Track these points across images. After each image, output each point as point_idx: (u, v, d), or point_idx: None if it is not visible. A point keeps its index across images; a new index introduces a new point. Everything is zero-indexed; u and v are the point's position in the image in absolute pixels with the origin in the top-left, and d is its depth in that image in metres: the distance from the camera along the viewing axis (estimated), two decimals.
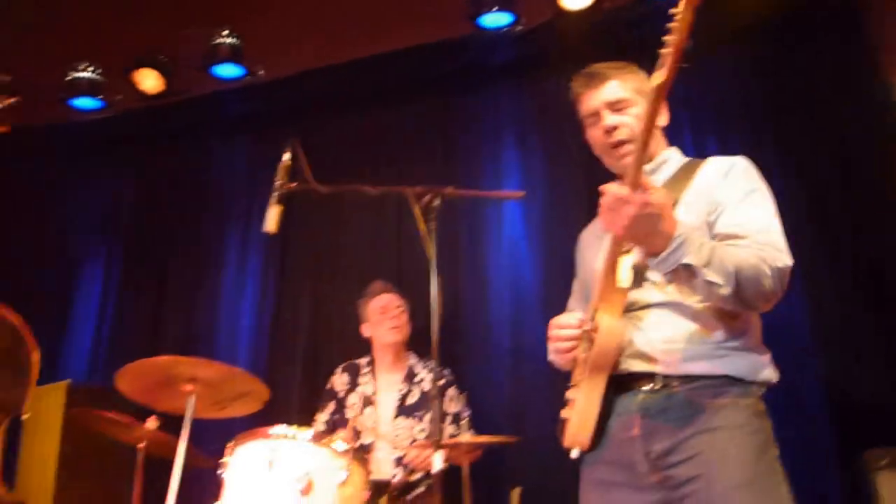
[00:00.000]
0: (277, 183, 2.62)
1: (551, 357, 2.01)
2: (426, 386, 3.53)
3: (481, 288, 4.09)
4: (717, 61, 3.88)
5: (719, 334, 1.77)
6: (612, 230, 1.68)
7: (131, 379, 2.66)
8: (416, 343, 3.67)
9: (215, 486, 2.51)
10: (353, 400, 3.56)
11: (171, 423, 3.11)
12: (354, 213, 4.41)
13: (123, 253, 4.88)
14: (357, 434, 3.41)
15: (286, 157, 2.66)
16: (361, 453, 2.57)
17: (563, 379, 1.98)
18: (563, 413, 1.88)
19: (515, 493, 3.34)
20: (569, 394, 1.89)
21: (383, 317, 3.62)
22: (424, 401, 3.49)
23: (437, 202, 2.33)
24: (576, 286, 2.22)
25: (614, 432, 1.80)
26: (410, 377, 3.59)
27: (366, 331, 3.69)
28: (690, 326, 1.78)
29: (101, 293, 4.83)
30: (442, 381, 3.49)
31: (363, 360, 3.68)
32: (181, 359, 2.59)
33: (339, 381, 3.65)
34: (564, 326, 1.91)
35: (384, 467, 3.34)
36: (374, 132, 4.58)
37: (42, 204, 5.03)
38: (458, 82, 4.47)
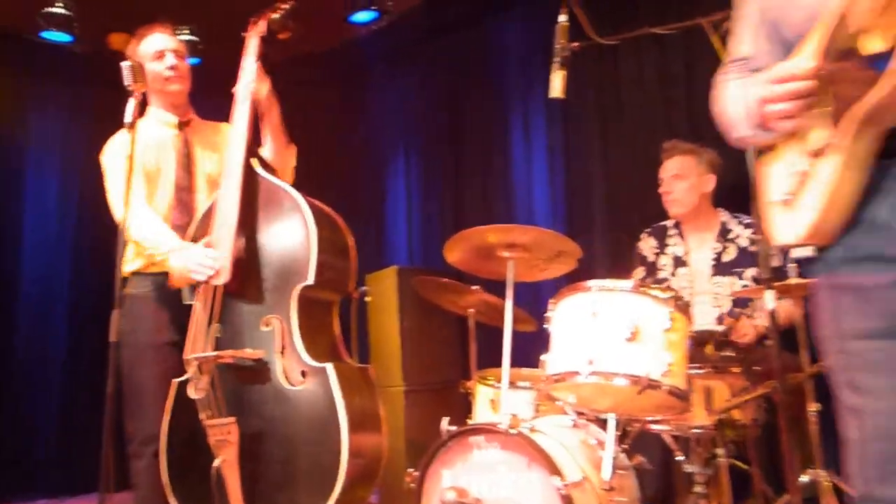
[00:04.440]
0: (558, 45, 2.62)
1: (747, 131, 1.52)
2: (742, 242, 3.39)
3: None
4: None
5: None
6: None
7: (458, 249, 2.87)
8: (727, 197, 3.50)
9: (541, 342, 2.68)
10: (664, 262, 3.54)
11: (493, 292, 3.37)
12: (636, 62, 4.21)
13: (419, 146, 5.23)
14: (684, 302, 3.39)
15: (562, 17, 2.64)
16: (682, 302, 2.56)
17: None
18: (786, 196, 1.42)
19: None
20: (797, 168, 1.40)
21: (660, 188, 3.53)
22: (742, 257, 3.35)
23: None
24: (746, 18, 1.62)
25: (877, 216, 1.31)
26: (724, 234, 3.44)
27: None
28: None
29: (406, 186, 5.25)
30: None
31: (669, 222, 3.60)
32: (499, 226, 2.75)
33: (646, 245, 3.61)
34: (788, 78, 1.36)
35: (704, 322, 3.29)
36: None
37: (345, 117, 5.53)
38: None
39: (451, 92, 5.07)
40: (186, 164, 2.96)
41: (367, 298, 4.34)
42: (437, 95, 5.13)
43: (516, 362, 3.01)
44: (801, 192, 1.38)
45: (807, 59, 1.36)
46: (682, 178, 3.46)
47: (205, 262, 2.61)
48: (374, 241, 5.25)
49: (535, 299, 4.13)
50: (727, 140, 1.62)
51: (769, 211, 1.49)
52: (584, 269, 3.73)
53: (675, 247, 3.54)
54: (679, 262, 3.50)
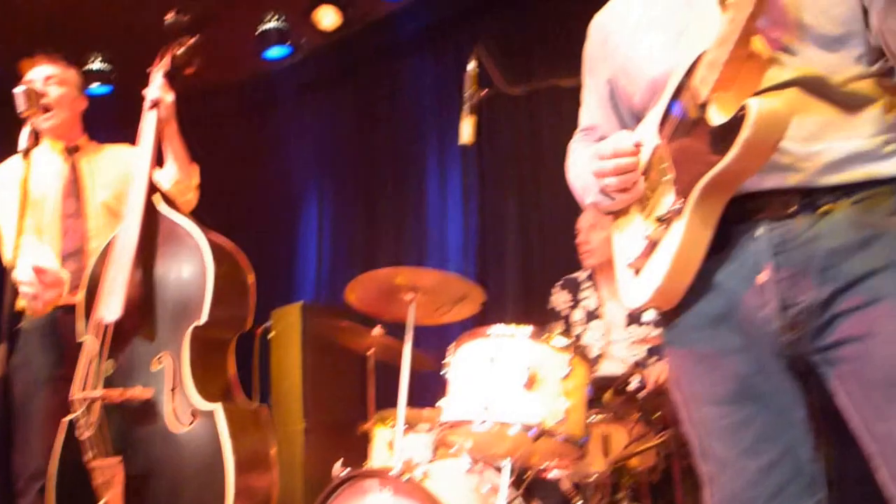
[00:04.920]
0: (467, 93, 2.64)
1: (594, 199, 1.56)
2: None
3: None
4: None
5: (884, 121, 1.25)
6: None
7: (359, 291, 2.87)
8: None
9: (440, 385, 2.67)
10: (578, 316, 3.55)
11: (397, 332, 3.35)
12: (552, 110, 4.28)
13: (333, 183, 5.21)
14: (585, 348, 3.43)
15: (471, 65, 2.66)
16: (582, 349, 2.60)
17: None
18: (635, 260, 1.44)
19: None
20: (644, 234, 1.41)
21: (578, 241, 3.57)
22: None
23: None
24: (591, 89, 1.65)
25: (722, 281, 1.32)
26: None
27: None
28: (839, 113, 1.25)
29: (318, 222, 5.20)
30: None
31: (582, 274, 3.63)
32: (401, 269, 2.76)
33: (560, 299, 3.62)
34: (619, 153, 1.41)
35: (614, 369, 3.32)
36: (561, 20, 4.27)
37: (258, 149, 5.47)
38: None
39: (366, 128, 5.08)
40: (74, 190, 2.93)
41: (271, 334, 4.26)
42: (352, 131, 5.13)
43: (419, 401, 3.00)
44: (648, 258, 1.40)
45: (651, 130, 1.38)
46: (600, 228, 3.49)
47: (25, 278, 2.56)
48: (284, 275, 5.18)
49: (440, 339, 4.14)
50: (581, 205, 1.66)
51: (619, 274, 1.52)
52: (495, 311, 3.77)
53: (588, 300, 3.55)
54: (592, 315, 3.51)
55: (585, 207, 1.69)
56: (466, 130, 2.60)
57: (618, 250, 1.56)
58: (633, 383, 3.23)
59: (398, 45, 4.98)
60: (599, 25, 1.62)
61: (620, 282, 1.51)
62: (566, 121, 4.11)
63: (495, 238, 4.43)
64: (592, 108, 1.66)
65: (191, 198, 2.98)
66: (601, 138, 1.60)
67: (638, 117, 1.50)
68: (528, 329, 2.55)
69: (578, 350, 2.54)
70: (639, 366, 3.28)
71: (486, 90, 2.63)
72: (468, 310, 3.01)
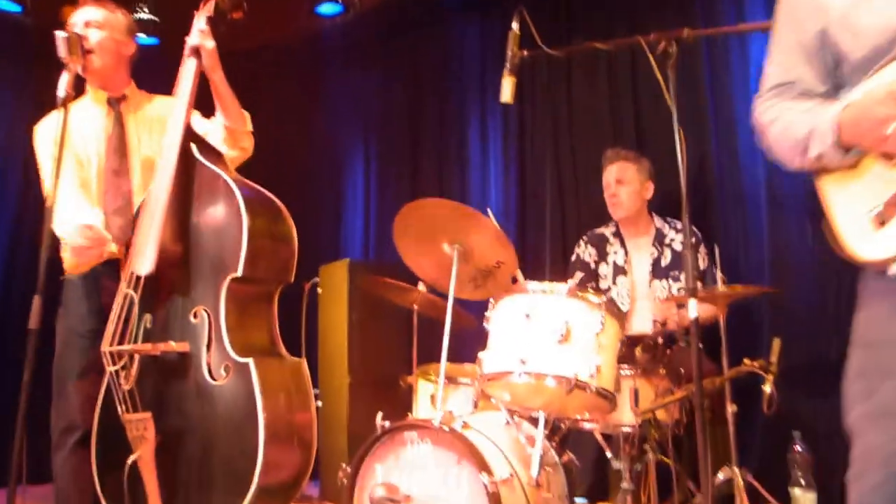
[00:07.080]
0: (509, 53, 2.67)
1: (822, 151, 1.50)
2: (677, 246, 3.50)
3: (729, 136, 3.83)
4: None
5: None
6: None
7: (406, 222, 2.83)
8: (668, 201, 3.63)
9: (479, 344, 2.70)
10: (605, 271, 3.63)
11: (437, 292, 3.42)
12: (588, 74, 4.30)
13: (379, 141, 5.27)
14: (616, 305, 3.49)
15: (514, 26, 2.69)
16: (614, 306, 2.63)
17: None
18: (883, 209, 1.41)
19: (776, 344, 3.23)
20: (885, 185, 1.39)
21: (606, 192, 3.63)
22: (678, 261, 3.47)
23: (673, 48, 2.22)
24: (792, 43, 1.59)
25: None
26: (660, 239, 3.57)
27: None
28: None
29: (364, 181, 5.28)
30: (692, 239, 3.41)
31: (607, 230, 3.69)
32: (445, 203, 2.82)
33: (587, 252, 3.68)
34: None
35: (643, 326, 3.39)
36: None
37: (306, 109, 5.52)
38: None
39: (411, 89, 5.12)
40: (119, 145, 2.80)
41: (319, 290, 4.38)
42: (398, 92, 5.17)
43: (461, 358, 3.08)
44: None
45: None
46: (626, 184, 3.58)
47: (71, 234, 2.47)
48: (331, 233, 5.28)
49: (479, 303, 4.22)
50: (784, 163, 1.60)
51: (848, 224, 1.47)
52: (534, 266, 3.83)
53: (615, 255, 3.63)
54: (619, 270, 3.60)
55: (793, 168, 1.59)
56: (507, 89, 2.64)
57: (843, 201, 1.50)
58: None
59: (446, 5, 4.97)
60: None
61: (847, 231, 1.48)
62: (599, 84, 4.19)
63: (534, 197, 4.49)
64: (793, 63, 1.58)
65: (246, 145, 2.83)
66: (803, 93, 1.56)
67: (848, 72, 1.46)
68: (565, 286, 2.61)
69: (611, 306, 2.58)
70: (664, 326, 3.33)
71: (527, 51, 2.66)
72: (495, 289, 2.89)
